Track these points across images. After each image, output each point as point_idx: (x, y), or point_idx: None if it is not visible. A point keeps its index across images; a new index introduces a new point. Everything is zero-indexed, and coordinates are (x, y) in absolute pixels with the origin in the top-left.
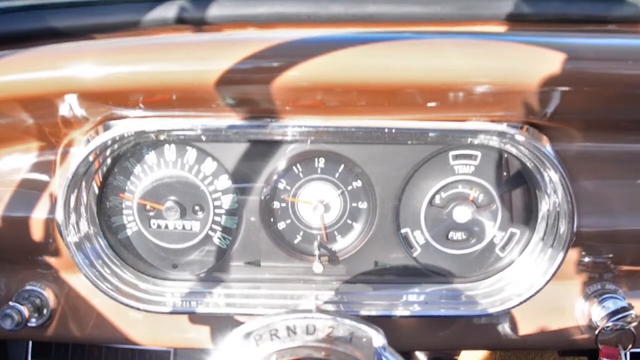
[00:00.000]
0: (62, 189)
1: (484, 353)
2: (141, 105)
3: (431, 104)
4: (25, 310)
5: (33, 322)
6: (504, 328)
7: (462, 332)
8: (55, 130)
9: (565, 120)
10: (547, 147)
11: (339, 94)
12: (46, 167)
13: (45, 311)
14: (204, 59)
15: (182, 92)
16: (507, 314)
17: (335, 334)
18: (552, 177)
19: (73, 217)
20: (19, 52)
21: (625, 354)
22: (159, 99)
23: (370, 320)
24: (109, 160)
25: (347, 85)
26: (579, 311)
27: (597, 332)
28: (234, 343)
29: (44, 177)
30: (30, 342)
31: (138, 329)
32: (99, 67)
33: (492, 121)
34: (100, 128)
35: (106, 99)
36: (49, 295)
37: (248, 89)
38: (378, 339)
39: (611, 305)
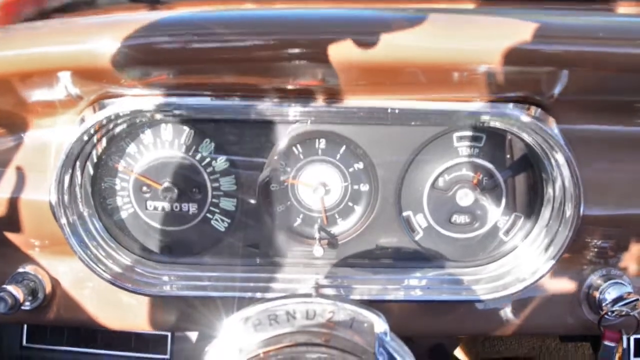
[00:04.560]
0: (56, 169)
1: (485, 337)
2: (138, 83)
3: (434, 84)
4: (19, 293)
5: (27, 306)
6: (507, 313)
7: (464, 317)
8: (49, 110)
9: (573, 102)
10: (554, 128)
11: (336, 72)
12: (40, 148)
13: (39, 294)
14: (211, 34)
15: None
16: (510, 299)
17: (336, 318)
18: (558, 159)
19: (67, 198)
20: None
21: (629, 341)
22: (157, 76)
23: (371, 304)
24: (104, 141)
25: (340, 62)
26: (584, 296)
27: (600, 316)
28: (232, 328)
29: (37, 158)
30: (25, 326)
31: (134, 313)
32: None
33: (498, 102)
34: (95, 107)
35: (103, 76)
36: (43, 278)
37: (247, 66)
38: (379, 324)
39: (616, 290)
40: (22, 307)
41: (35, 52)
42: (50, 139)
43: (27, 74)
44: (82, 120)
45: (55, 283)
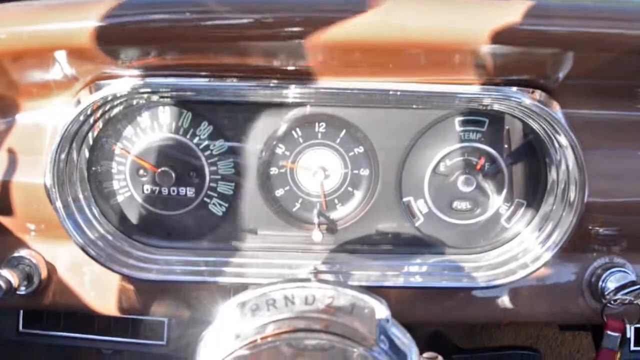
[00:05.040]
0: (51, 151)
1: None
2: (134, 63)
3: (436, 66)
4: (14, 278)
5: (22, 290)
6: (508, 301)
7: (464, 305)
8: (44, 91)
9: (577, 86)
10: (558, 112)
11: (334, 51)
12: (34, 130)
13: (35, 279)
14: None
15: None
16: (511, 287)
17: (336, 304)
18: (562, 142)
19: (62, 181)
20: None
21: (630, 329)
22: (153, 56)
23: (370, 290)
24: (100, 123)
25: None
26: (586, 285)
27: (602, 305)
28: (229, 313)
29: (32, 140)
30: (22, 311)
31: (130, 298)
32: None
33: (502, 85)
34: (91, 88)
35: (98, 55)
36: (38, 262)
37: (244, 45)
38: (381, 310)
39: (619, 279)
40: (18, 292)
41: (27, 30)
42: (45, 121)
43: (19, 53)
44: (78, 101)
45: (50, 268)
